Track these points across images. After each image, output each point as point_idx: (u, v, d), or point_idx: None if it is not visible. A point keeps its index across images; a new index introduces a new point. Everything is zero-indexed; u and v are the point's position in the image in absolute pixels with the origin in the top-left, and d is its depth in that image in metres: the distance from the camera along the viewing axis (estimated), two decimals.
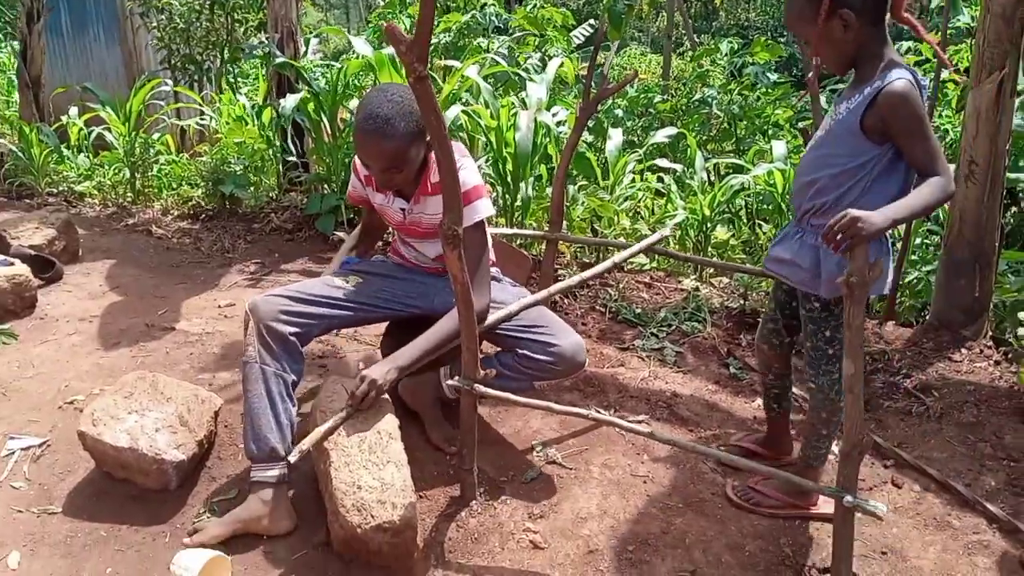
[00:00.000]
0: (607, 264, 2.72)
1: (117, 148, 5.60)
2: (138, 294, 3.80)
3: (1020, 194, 5.22)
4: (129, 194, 5.47)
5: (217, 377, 2.99)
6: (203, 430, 2.43)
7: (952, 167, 3.88)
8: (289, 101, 4.64)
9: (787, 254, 2.17)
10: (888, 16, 1.99)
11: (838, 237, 1.73)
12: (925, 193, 1.85)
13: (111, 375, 2.93)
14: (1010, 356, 3.22)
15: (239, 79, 7.44)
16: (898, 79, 1.90)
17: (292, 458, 2.02)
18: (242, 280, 4.13)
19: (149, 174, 5.55)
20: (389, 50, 4.64)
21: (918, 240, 4.36)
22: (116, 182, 5.60)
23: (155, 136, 5.91)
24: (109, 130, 5.71)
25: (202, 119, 6.44)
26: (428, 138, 2.23)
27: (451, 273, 1.98)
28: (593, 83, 3.41)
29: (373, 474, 2.07)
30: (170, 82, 6.48)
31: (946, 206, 3.84)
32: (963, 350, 3.25)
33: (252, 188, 5.29)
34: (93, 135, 5.90)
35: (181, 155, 6.16)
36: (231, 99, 6.35)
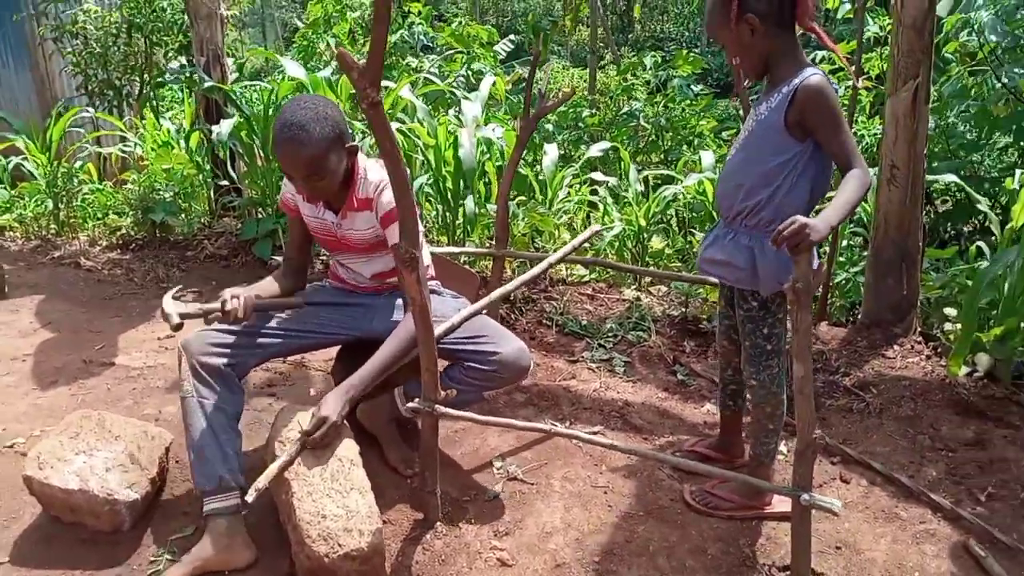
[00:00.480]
0: (542, 266, 2.78)
1: (37, 178, 5.40)
2: (72, 329, 3.67)
3: (934, 195, 5.49)
4: (53, 226, 5.28)
5: (163, 412, 2.91)
6: (155, 467, 2.37)
7: (873, 170, 4.07)
8: (224, 126, 4.56)
9: (722, 255, 2.24)
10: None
11: (786, 242, 1.80)
12: (850, 190, 1.92)
13: (51, 415, 2.82)
14: (939, 350, 3.38)
15: (158, 103, 7.25)
16: (813, 75, 2.02)
17: (249, 498, 1.99)
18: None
19: (73, 204, 5.36)
20: (325, 72, 4.62)
21: (844, 242, 4.53)
22: (38, 214, 5.39)
23: (77, 165, 5.71)
24: (27, 160, 5.50)
25: (125, 146, 6.25)
26: (348, 145, 2.28)
27: (409, 296, 1.99)
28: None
29: (337, 502, 2.05)
30: (92, 109, 6.28)
31: (869, 209, 4.02)
32: (895, 347, 3.40)
33: (183, 215, 5.17)
34: (11, 165, 5.68)
35: (105, 184, 5.97)
36: (155, 124, 6.19)
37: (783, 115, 2.06)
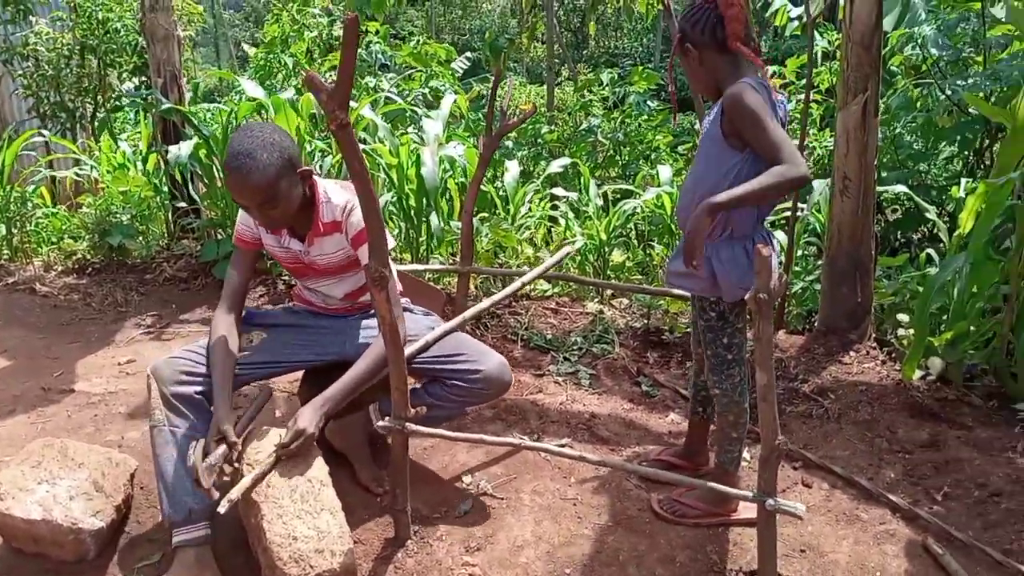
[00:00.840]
0: (516, 285, 2.81)
1: None
2: (28, 356, 3.60)
3: (884, 204, 5.64)
4: (6, 251, 5.17)
5: (126, 438, 2.87)
6: (120, 494, 2.34)
7: (825, 181, 4.18)
8: (184, 148, 4.53)
9: (684, 267, 2.31)
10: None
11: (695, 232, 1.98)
12: (762, 178, 2.00)
13: (10, 444, 2.77)
14: (894, 355, 3.47)
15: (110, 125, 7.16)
16: (737, 83, 2.14)
17: (222, 509, 1.98)
18: (139, 334, 3.98)
19: (26, 229, 5.27)
20: (286, 93, 4.62)
21: (799, 252, 4.64)
22: None
23: (30, 189, 5.62)
24: None
25: (80, 169, 6.16)
26: (300, 170, 2.25)
27: (379, 314, 2.00)
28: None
29: (308, 523, 2.05)
30: (46, 132, 6.18)
31: (823, 220, 4.12)
32: (851, 353, 3.49)
33: (141, 238, 5.10)
34: None
35: (59, 207, 5.88)
36: (111, 147, 6.12)
37: (719, 127, 2.18)
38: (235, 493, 2.02)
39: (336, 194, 2.38)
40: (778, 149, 2.03)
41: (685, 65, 2.29)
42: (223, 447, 2.10)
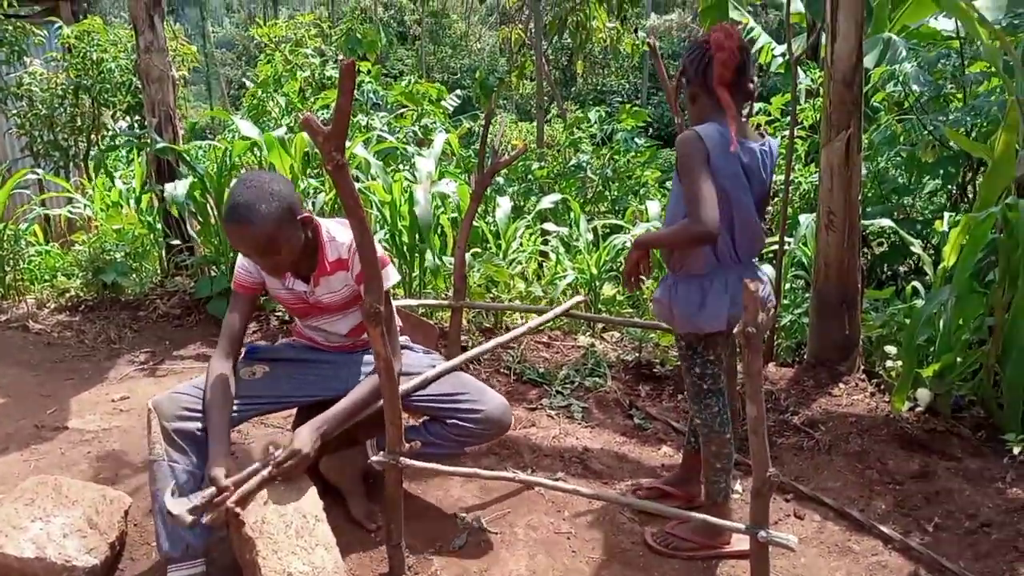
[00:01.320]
0: (523, 328, 2.86)
1: None
2: (21, 394, 3.60)
3: (870, 237, 5.72)
4: None
5: (120, 475, 2.87)
6: (114, 531, 2.34)
7: (812, 216, 4.24)
8: (179, 188, 4.57)
9: (657, 294, 2.45)
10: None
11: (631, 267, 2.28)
12: (674, 227, 2.28)
13: (3, 483, 2.76)
14: (882, 387, 3.51)
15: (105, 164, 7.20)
16: (691, 128, 2.26)
17: (205, 519, 2.02)
18: (133, 371, 3.98)
19: (19, 267, 5.28)
20: (278, 131, 4.68)
21: (787, 285, 4.69)
22: None
23: (23, 227, 5.64)
24: None
25: (74, 207, 6.19)
26: (300, 216, 2.27)
27: (375, 350, 2.03)
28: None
29: (303, 559, 2.06)
30: (40, 171, 6.22)
31: (810, 254, 4.18)
32: (841, 384, 3.53)
33: (135, 275, 5.12)
34: None
35: (52, 245, 5.89)
36: (105, 185, 6.15)
37: (676, 166, 2.30)
38: (223, 508, 2.05)
39: (340, 233, 2.42)
40: (691, 202, 2.18)
41: (687, 100, 2.40)
42: (211, 489, 2.09)
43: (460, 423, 2.42)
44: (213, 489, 2.08)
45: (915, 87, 5.24)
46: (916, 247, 4.39)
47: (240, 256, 2.45)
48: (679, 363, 2.62)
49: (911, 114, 5.43)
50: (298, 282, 2.45)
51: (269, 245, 2.21)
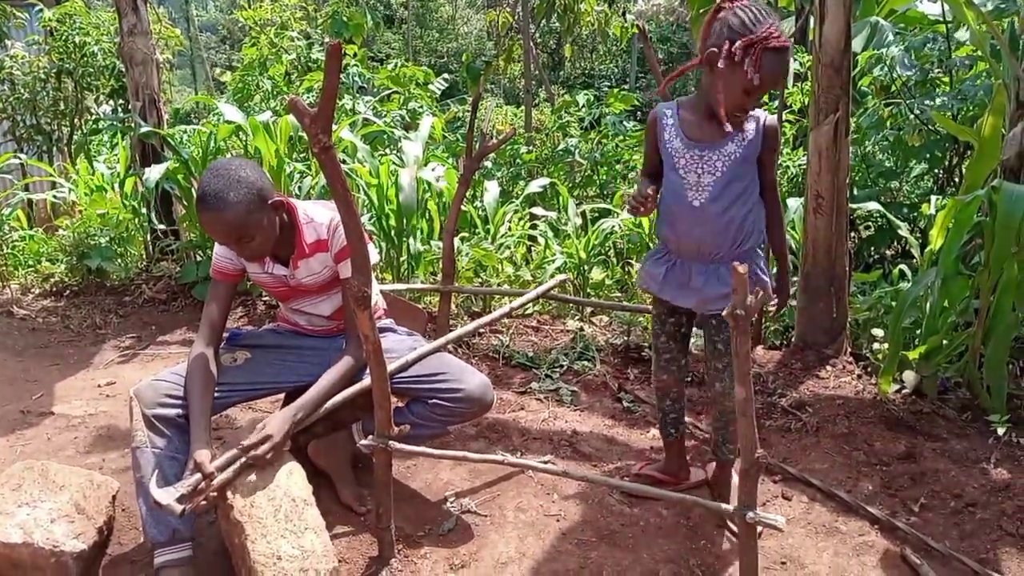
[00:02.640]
0: (505, 309, 2.83)
1: None
2: (6, 379, 3.57)
3: (857, 221, 5.74)
4: None
5: (107, 460, 2.86)
6: (102, 516, 2.32)
7: (800, 200, 4.26)
8: (154, 172, 4.53)
9: (723, 287, 2.32)
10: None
11: None
12: None
13: None
14: (869, 369, 3.53)
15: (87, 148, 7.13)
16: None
17: (178, 509, 2.01)
18: (119, 356, 3.96)
19: (3, 252, 5.22)
20: (263, 116, 4.64)
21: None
22: None
23: (6, 212, 5.58)
24: None
25: (58, 192, 6.13)
26: (271, 201, 2.26)
27: (363, 334, 2.02)
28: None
29: (292, 543, 2.05)
30: (23, 155, 6.15)
31: (798, 237, 4.19)
32: (828, 367, 3.54)
33: (120, 260, 5.08)
34: None
35: (36, 230, 5.84)
36: (89, 169, 6.09)
37: (755, 150, 2.32)
38: (210, 494, 2.05)
39: (318, 213, 2.41)
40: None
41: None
42: (196, 475, 2.09)
43: (442, 403, 2.41)
44: (199, 476, 2.07)
45: (902, 71, 5.25)
46: (903, 230, 4.41)
47: (217, 244, 2.43)
48: (667, 357, 2.60)
49: (898, 98, 5.44)
50: (277, 266, 2.44)
51: (242, 232, 2.21)
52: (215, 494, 2.08)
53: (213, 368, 2.34)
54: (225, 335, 2.52)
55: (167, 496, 2.04)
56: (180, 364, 2.39)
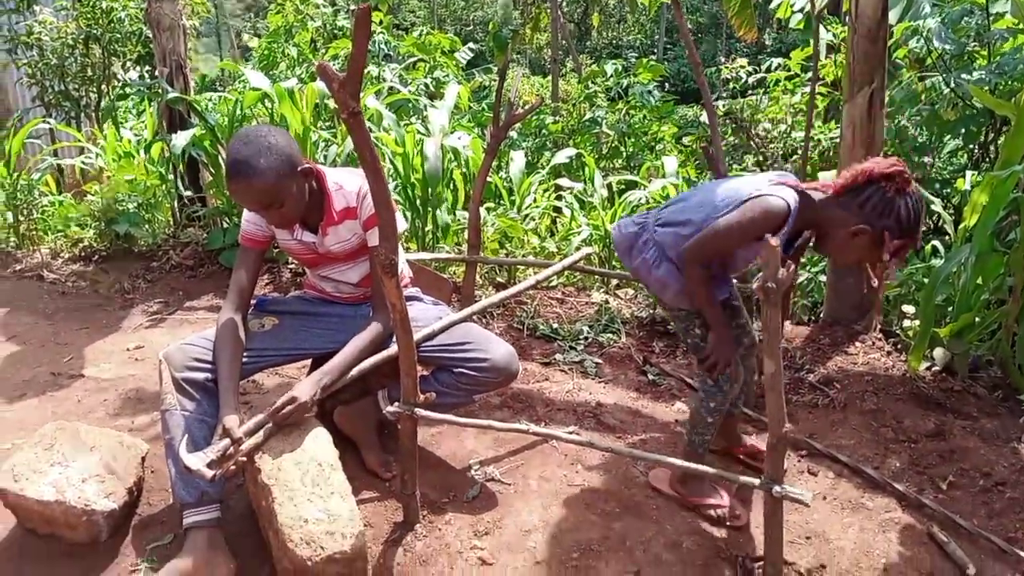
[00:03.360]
0: (531, 281, 2.81)
1: None
2: (38, 342, 3.62)
3: None
4: (13, 239, 5.19)
5: (136, 422, 2.89)
6: (132, 477, 2.36)
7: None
8: (181, 138, 4.54)
9: None
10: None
11: None
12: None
13: (21, 428, 2.79)
14: (899, 346, 3.49)
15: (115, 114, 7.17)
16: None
17: (210, 474, 2.02)
18: (147, 321, 4.00)
19: (33, 216, 5.28)
20: (288, 82, 4.63)
21: None
22: None
23: (36, 176, 5.63)
24: None
25: (86, 157, 6.17)
26: (300, 168, 2.25)
27: (389, 301, 2.01)
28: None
29: (318, 506, 2.07)
30: (52, 120, 6.19)
31: None
32: (857, 343, 3.50)
33: (147, 226, 5.12)
34: None
35: (65, 195, 5.89)
36: (116, 135, 6.12)
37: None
38: (239, 459, 2.07)
39: (347, 181, 2.40)
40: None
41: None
42: (226, 440, 2.11)
43: (467, 372, 2.41)
44: (227, 441, 2.09)
45: (938, 43, 5.12)
46: (937, 206, 4.33)
47: (246, 210, 2.43)
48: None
49: (933, 71, 5.32)
50: (306, 233, 2.44)
51: (271, 198, 2.21)
52: (244, 459, 2.10)
53: (241, 334, 2.35)
54: (252, 301, 2.53)
55: (197, 461, 2.06)
56: (208, 329, 2.40)
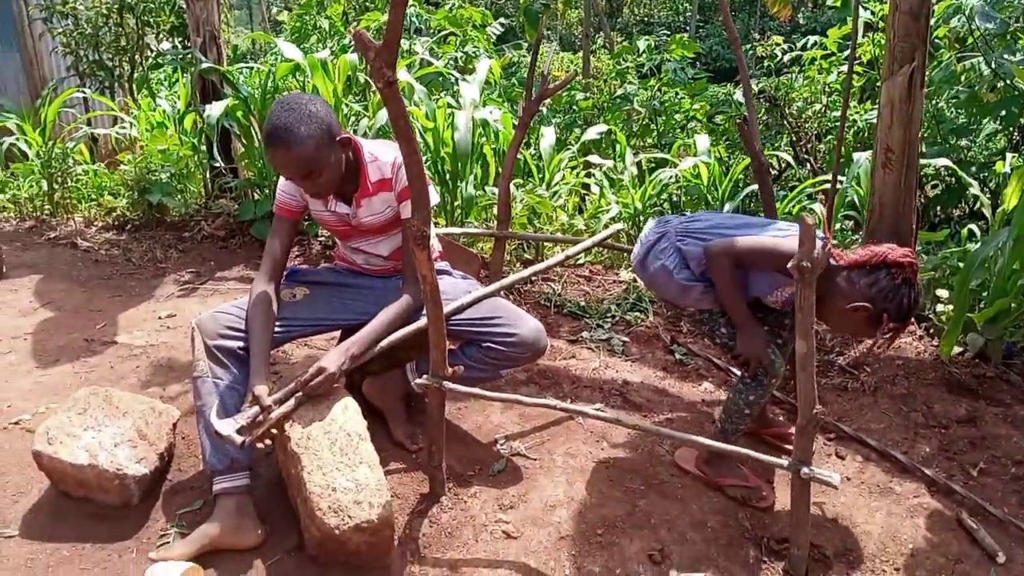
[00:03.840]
0: (560, 257, 2.81)
1: (30, 159, 5.37)
2: (72, 309, 3.68)
3: (924, 179, 5.55)
4: (47, 206, 5.26)
5: (167, 389, 2.93)
6: (163, 443, 2.40)
7: (867, 154, 4.12)
8: (215, 108, 4.55)
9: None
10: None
11: None
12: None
13: (55, 393, 2.85)
14: (932, 331, 3.44)
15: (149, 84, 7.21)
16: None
17: (239, 439, 2.07)
18: (178, 290, 4.04)
19: (67, 185, 5.34)
20: (321, 54, 4.62)
21: (837, 225, 4.59)
22: (32, 194, 5.38)
23: (70, 145, 5.69)
24: (18, 140, 5.46)
25: (120, 127, 6.23)
26: (339, 138, 2.26)
27: (420, 273, 2.02)
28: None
29: (347, 476, 2.09)
30: (87, 90, 6.24)
31: (863, 192, 4.06)
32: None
33: (180, 196, 5.16)
34: (4, 146, 5.63)
35: (99, 164, 5.95)
36: (150, 105, 6.16)
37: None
38: (268, 427, 2.10)
39: (383, 152, 2.40)
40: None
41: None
42: (255, 408, 2.13)
43: (495, 346, 2.41)
44: (257, 408, 2.12)
45: (980, 22, 4.99)
46: (975, 188, 4.25)
47: (281, 179, 2.44)
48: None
49: (974, 51, 5.20)
50: (340, 204, 2.44)
51: (310, 167, 2.21)
52: (273, 428, 2.12)
53: (274, 304, 2.36)
54: (284, 272, 2.55)
55: (227, 428, 2.09)
56: (241, 298, 2.42)
